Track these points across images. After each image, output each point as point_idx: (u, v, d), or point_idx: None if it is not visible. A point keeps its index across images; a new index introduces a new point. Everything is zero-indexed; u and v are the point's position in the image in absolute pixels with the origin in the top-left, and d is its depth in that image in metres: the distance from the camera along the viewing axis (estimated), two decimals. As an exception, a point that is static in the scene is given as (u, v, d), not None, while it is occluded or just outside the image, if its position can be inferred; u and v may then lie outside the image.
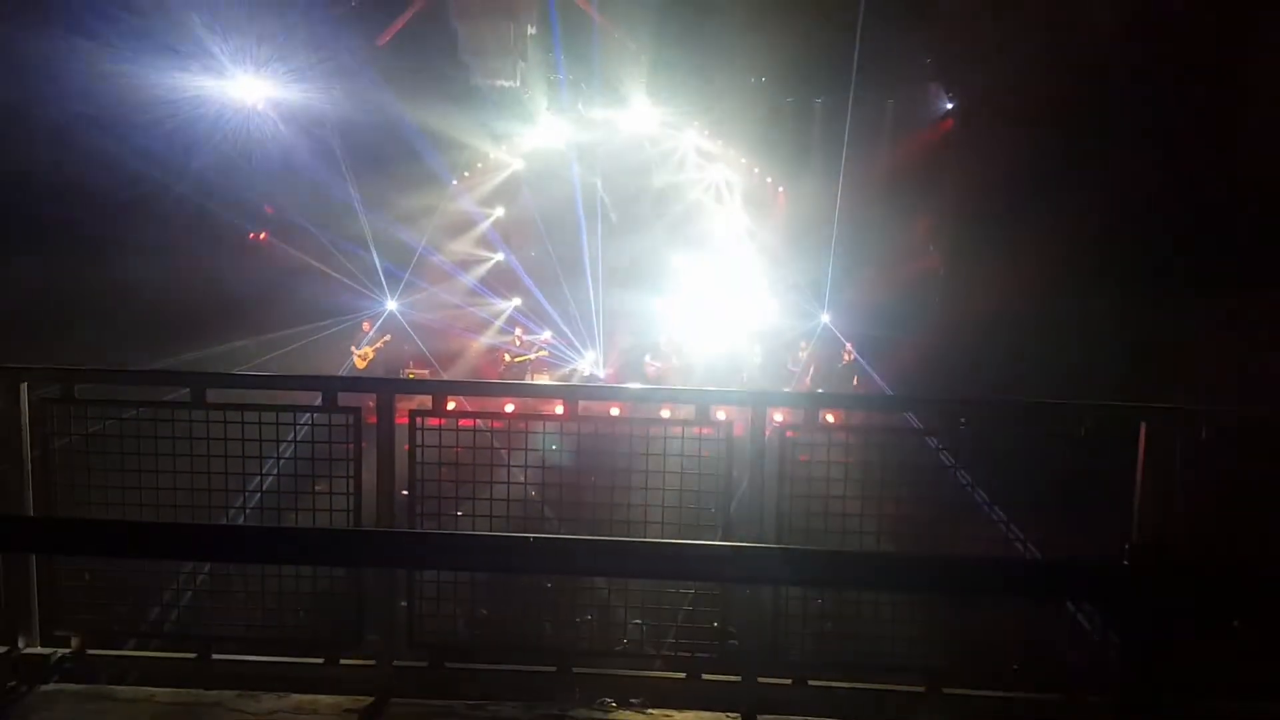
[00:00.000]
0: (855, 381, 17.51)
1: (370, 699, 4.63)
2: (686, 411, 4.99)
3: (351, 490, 4.87)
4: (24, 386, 4.86)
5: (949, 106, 19.08)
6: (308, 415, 4.93)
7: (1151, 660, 2.29)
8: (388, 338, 18.20)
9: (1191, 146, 12.86)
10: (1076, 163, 14.51)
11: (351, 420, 4.89)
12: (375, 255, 19.13)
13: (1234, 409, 4.86)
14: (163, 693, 4.63)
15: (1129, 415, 4.66)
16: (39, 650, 4.87)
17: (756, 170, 20.73)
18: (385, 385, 5.29)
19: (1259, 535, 4.53)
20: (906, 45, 17.97)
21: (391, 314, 19.16)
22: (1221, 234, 12.63)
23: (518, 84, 19.17)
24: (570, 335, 19.54)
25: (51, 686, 4.70)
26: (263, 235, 19.56)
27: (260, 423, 4.84)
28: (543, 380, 17.70)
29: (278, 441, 4.86)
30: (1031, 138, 15.24)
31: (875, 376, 17.66)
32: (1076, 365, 13.19)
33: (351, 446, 4.88)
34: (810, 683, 4.81)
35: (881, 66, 18.15)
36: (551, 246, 20.45)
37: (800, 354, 18.27)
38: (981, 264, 16.54)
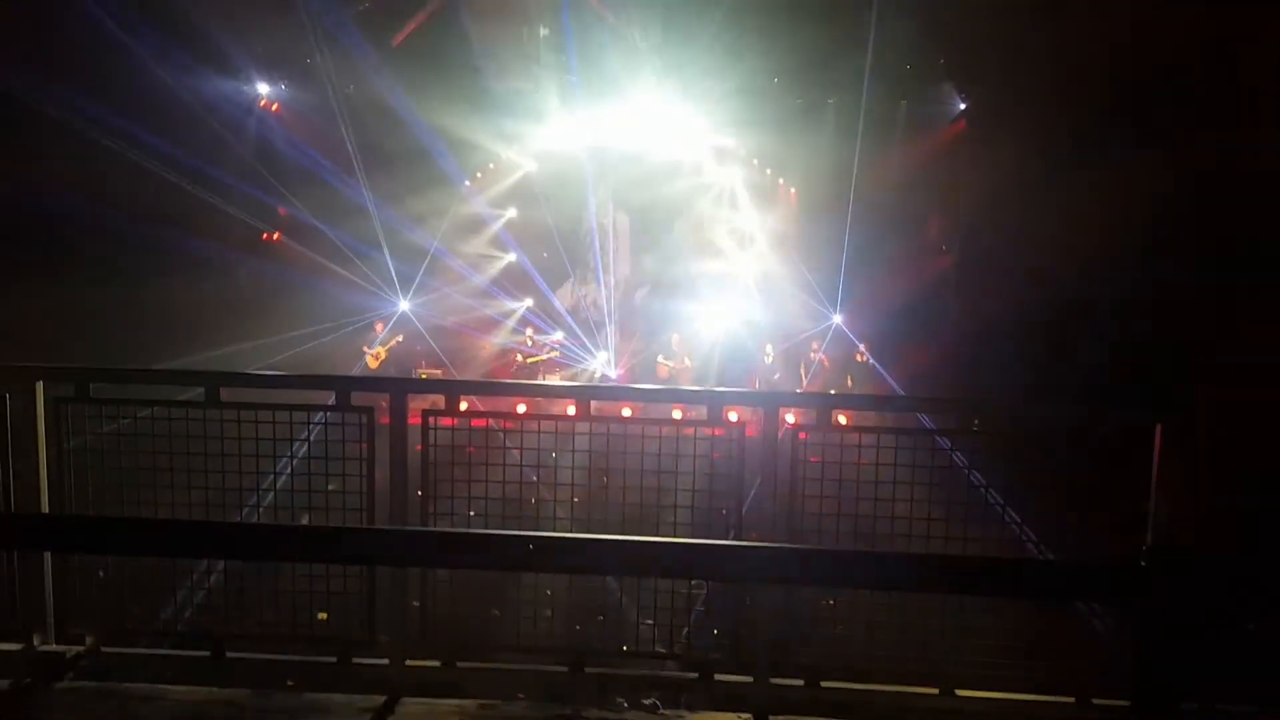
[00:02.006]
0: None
1: (383, 698, 4.63)
2: (698, 412, 4.99)
3: (364, 490, 4.88)
4: (40, 385, 4.89)
5: (963, 105, 19.02)
6: (321, 415, 4.94)
7: (1169, 662, 2.28)
8: (400, 338, 18.24)
9: (1207, 142, 12.80)
10: (1091, 160, 14.45)
11: (364, 420, 4.90)
12: (388, 255, 19.17)
13: (1250, 411, 4.83)
14: (176, 690, 4.64)
15: (1145, 416, 4.63)
16: (54, 648, 4.90)
17: (769, 171, 20.70)
18: (398, 385, 5.30)
19: (1273, 537, 4.49)
20: (920, 44, 17.92)
21: (404, 314, 19.20)
22: (1234, 230, 12.56)
23: (531, 85, 19.19)
24: (582, 335, 19.55)
25: (66, 684, 4.72)
26: (276, 235, 19.64)
27: (274, 422, 4.86)
28: (554, 380, 17.71)
29: (291, 440, 4.88)
30: (1047, 135, 15.19)
31: (888, 377, 17.61)
32: (1092, 365, 13.13)
33: (365, 446, 4.89)
34: (822, 684, 4.80)
35: (895, 66, 18.11)
36: (563, 247, 20.46)
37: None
38: (996, 263, 16.49)
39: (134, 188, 15.21)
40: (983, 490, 4.98)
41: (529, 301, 20.16)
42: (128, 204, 14.77)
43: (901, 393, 16.25)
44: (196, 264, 16.23)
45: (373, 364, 17.69)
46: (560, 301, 20.02)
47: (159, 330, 14.03)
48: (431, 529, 4.76)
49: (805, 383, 17.78)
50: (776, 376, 17.89)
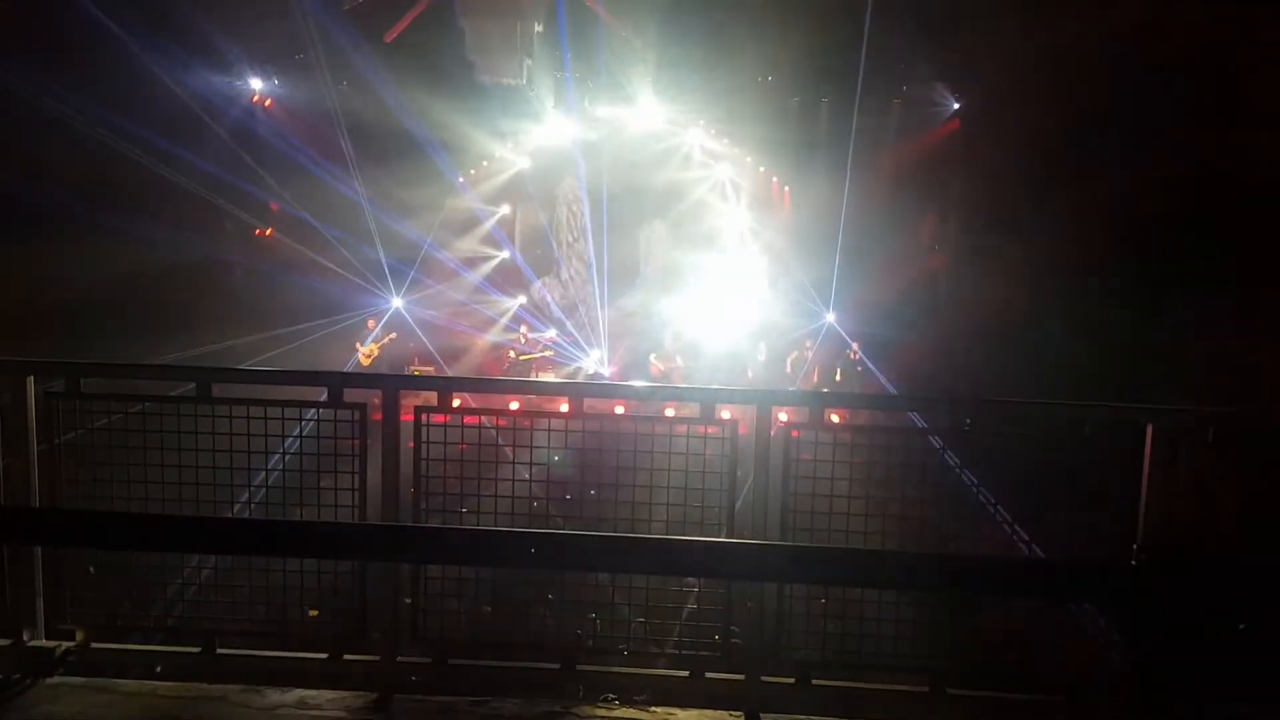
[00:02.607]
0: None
1: (374, 695, 4.63)
2: (691, 410, 4.99)
3: (356, 486, 4.87)
4: (30, 380, 4.86)
5: (955, 106, 19.06)
6: (313, 411, 4.93)
7: (1157, 662, 2.29)
8: (393, 335, 18.21)
9: (1195, 146, 12.84)
10: (1082, 162, 14.49)
11: (357, 416, 4.89)
12: (381, 252, 19.13)
13: (1240, 411, 4.84)
14: (166, 686, 4.63)
15: (1135, 416, 4.64)
16: (44, 643, 4.87)
17: (762, 169, 20.71)
18: (391, 381, 5.29)
19: (1265, 537, 4.51)
20: (913, 45, 17.95)
21: (397, 311, 19.17)
22: (1225, 233, 12.60)
23: (524, 82, 19.16)
24: (575, 333, 19.55)
25: (56, 679, 4.70)
26: (268, 231, 19.59)
27: (266, 418, 4.85)
28: (547, 378, 17.69)
29: (283, 437, 4.87)
30: (1038, 137, 15.22)
31: (880, 376, 17.64)
32: (1083, 365, 13.17)
33: (357, 443, 4.88)
34: (814, 682, 4.81)
35: (888, 66, 18.14)
36: (557, 244, 20.46)
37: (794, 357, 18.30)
38: (988, 263, 16.54)
39: (124, 182, 15.16)
40: (975, 489, 4.99)
41: (522, 299, 20.15)
42: (118, 198, 14.72)
43: (893, 391, 16.29)
44: (188, 259, 16.18)
45: (365, 361, 17.66)
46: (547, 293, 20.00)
47: (150, 325, 13.97)
48: (424, 525, 4.75)
49: (798, 381, 17.80)
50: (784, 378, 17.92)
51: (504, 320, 19.88)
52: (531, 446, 4.97)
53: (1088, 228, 14.08)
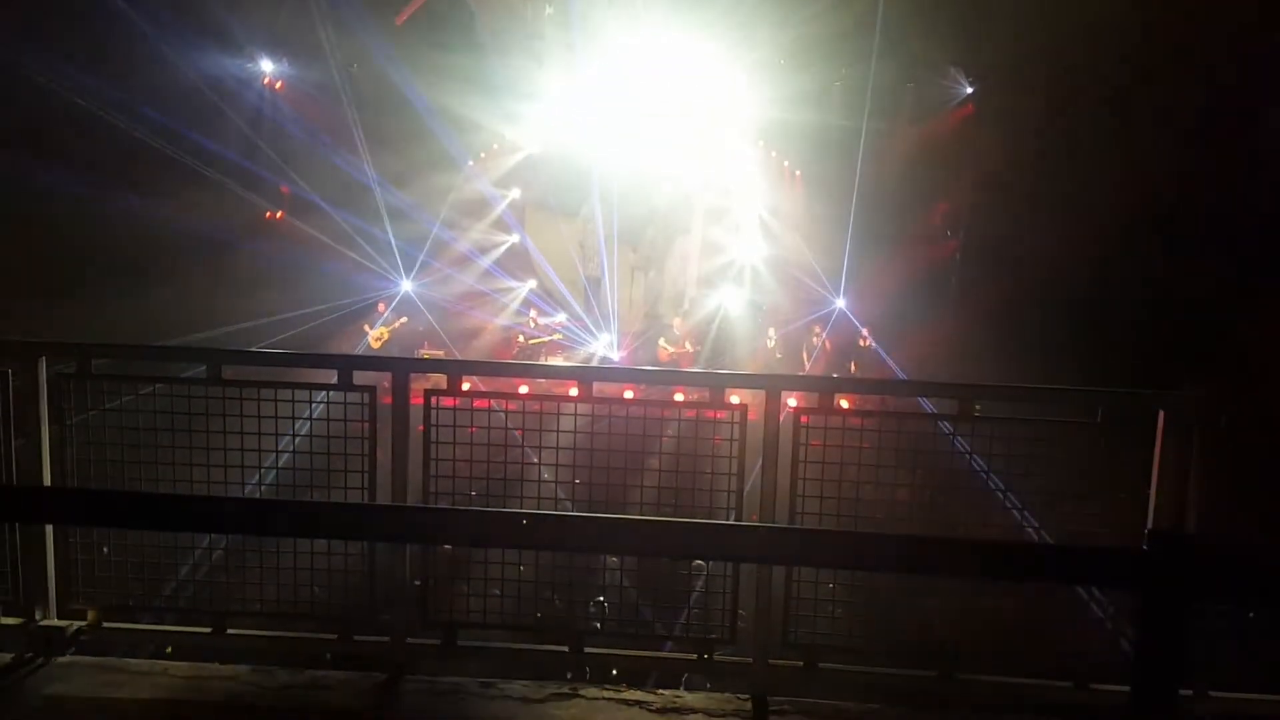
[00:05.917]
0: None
1: (383, 676, 4.66)
2: (700, 394, 4.98)
3: (366, 469, 4.88)
4: (41, 361, 4.88)
5: (969, 90, 18.93)
6: (323, 393, 4.94)
7: (1167, 648, 2.28)
8: (404, 319, 18.24)
9: (1217, 129, 12.73)
10: (1098, 145, 14.39)
11: (367, 399, 4.89)
12: (391, 235, 19.14)
13: (1253, 397, 4.82)
14: (178, 666, 4.67)
15: (1147, 402, 4.62)
16: (56, 623, 4.91)
17: (774, 153, 20.61)
18: (401, 364, 5.29)
19: (1276, 525, 4.49)
20: (928, 28, 17.82)
21: (407, 294, 19.19)
22: (1247, 219, 12.51)
23: (535, 64, 19.10)
24: (585, 318, 19.54)
25: (68, 658, 4.74)
26: (279, 214, 19.60)
27: (276, 400, 4.85)
28: (557, 362, 17.70)
29: (294, 419, 4.88)
30: (1054, 121, 15.12)
31: (889, 361, 17.60)
32: (1096, 350, 13.12)
33: (367, 425, 4.89)
34: (821, 666, 4.81)
35: (901, 48, 18.01)
36: (567, 228, 20.42)
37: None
38: (1000, 248, 16.45)
39: (135, 164, 15.19)
40: (983, 475, 4.97)
41: (532, 283, 20.14)
42: (129, 180, 14.75)
43: (904, 377, 16.23)
44: (199, 242, 16.22)
45: (375, 344, 17.70)
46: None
47: (161, 307, 14.03)
48: (432, 507, 4.77)
49: (808, 366, 17.78)
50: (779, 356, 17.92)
51: (514, 304, 19.87)
52: (540, 430, 4.97)
53: (1100, 213, 13.99)
